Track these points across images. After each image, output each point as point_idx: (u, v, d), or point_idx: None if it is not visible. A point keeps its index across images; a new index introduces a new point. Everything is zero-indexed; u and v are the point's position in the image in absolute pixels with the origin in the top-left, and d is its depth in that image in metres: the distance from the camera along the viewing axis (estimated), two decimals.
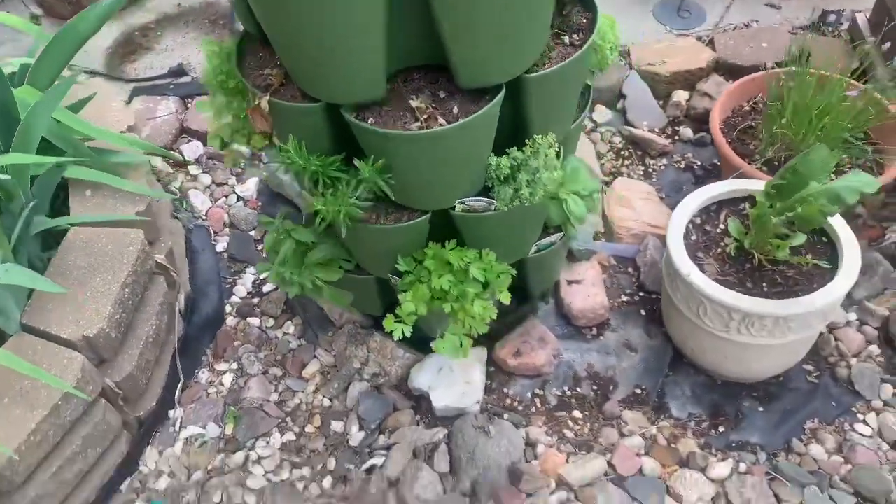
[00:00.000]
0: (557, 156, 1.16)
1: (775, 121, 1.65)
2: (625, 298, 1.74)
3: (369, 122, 1.02)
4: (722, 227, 1.52)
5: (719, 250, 1.48)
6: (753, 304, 1.33)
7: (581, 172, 1.38)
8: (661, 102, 2.11)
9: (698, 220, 1.54)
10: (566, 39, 1.09)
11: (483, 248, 1.25)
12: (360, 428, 1.52)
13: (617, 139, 2.07)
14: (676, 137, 2.06)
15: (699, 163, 2.00)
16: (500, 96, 1.01)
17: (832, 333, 1.61)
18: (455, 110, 1.02)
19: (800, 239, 1.43)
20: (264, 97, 1.08)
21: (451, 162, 1.05)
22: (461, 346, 1.27)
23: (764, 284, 1.41)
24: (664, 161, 2.03)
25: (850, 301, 1.65)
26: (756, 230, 1.41)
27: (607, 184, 1.95)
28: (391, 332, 1.23)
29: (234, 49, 1.17)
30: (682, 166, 2.01)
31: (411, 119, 1.02)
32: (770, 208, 1.34)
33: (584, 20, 1.11)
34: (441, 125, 0.99)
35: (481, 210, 1.16)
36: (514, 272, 1.29)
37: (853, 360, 1.56)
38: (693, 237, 1.52)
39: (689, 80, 2.10)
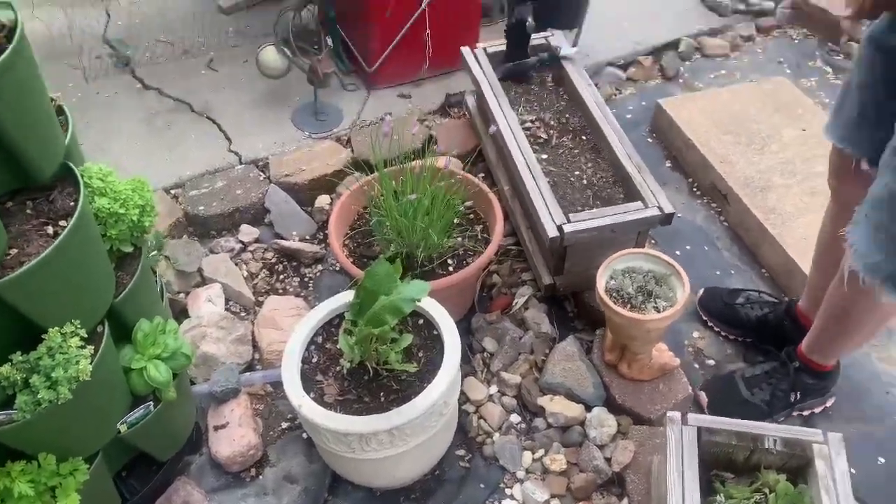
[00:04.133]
0: (87, 343, 1.08)
1: (382, 224, 1.72)
2: (286, 425, 1.69)
3: None
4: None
5: (338, 368, 1.48)
6: (355, 424, 1.33)
7: (161, 334, 1.31)
8: (308, 209, 2.14)
9: (320, 339, 1.54)
10: (50, 230, 1.02)
11: (41, 451, 1.13)
12: None
13: (269, 255, 2.05)
14: (328, 242, 2.09)
15: None
16: None
17: (478, 411, 1.68)
18: None
19: (407, 340, 1.47)
20: None
21: None
22: None
23: (382, 395, 1.43)
24: (320, 267, 2.04)
25: (490, 374, 1.74)
26: (359, 344, 1.43)
27: (259, 304, 1.92)
28: None
29: None
30: (338, 269, 2.03)
31: None
32: (355, 326, 1.37)
33: (72, 202, 1.05)
34: None
35: (6, 422, 1.04)
36: (88, 466, 1.18)
37: (497, 435, 1.63)
38: (315, 358, 1.51)
39: (329, 183, 2.15)
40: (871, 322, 1.35)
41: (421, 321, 1.55)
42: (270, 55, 2.25)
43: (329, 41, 2.44)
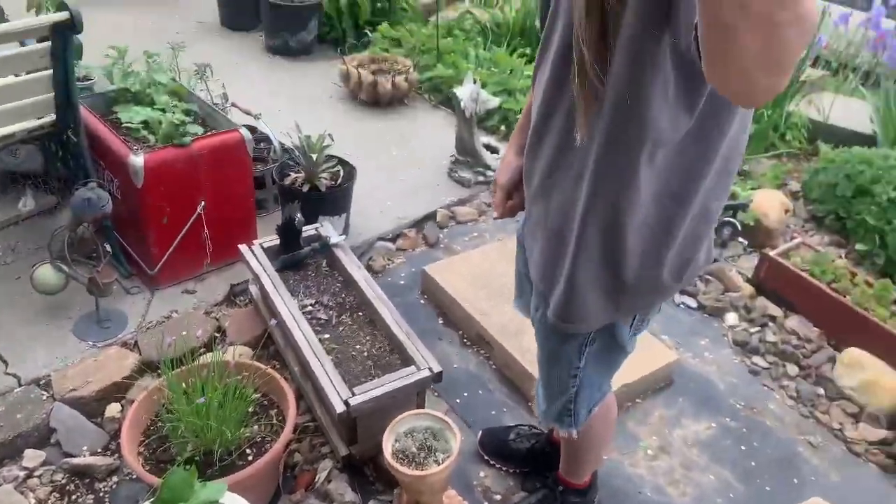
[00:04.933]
0: None
1: (177, 427, 1.78)
2: None
3: None
4: None
5: None
6: None
7: None
8: (97, 420, 2.12)
9: None
10: None
11: None
12: None
13: (59, 476, 1.98)
14: (121, 452, 2.07)
15: None
16: None
17: None
18: None
19: None
20: None
21: None
22: None
23: None
24: (115, 479, 2.01)
25: None
26: None
27: None
28: None
29: None
30: (135, 477, 2.01)
31: None
32: None
33: None
34: None
35: None
36: None
37: None
38: None
39: (119, 391, 2.16)
40: (594, 442, 1.68)
41: None
42: (46, 273, 2.28)
43: (108, 248, 2.51)
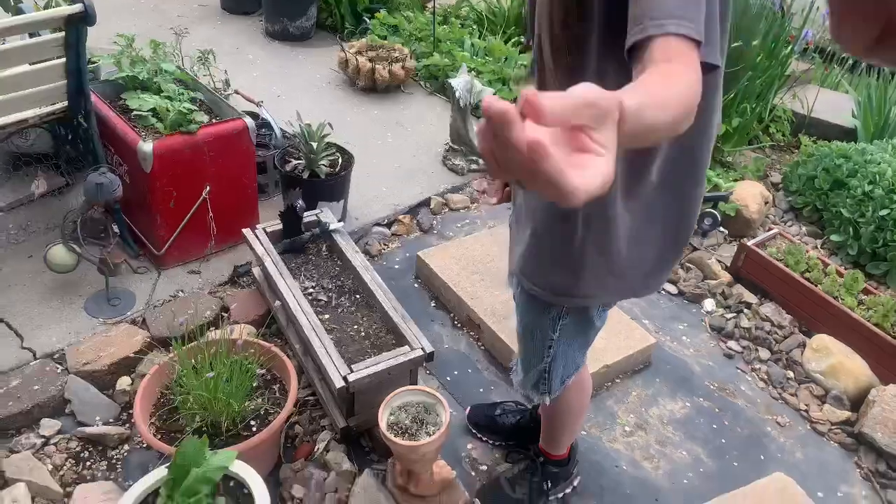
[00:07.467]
0: None
1: (186, 400, 1.92)
2: None
3: None
4: None
5: None
6: None
7: None
8: (109, 392, 2.25)
9: None
10: None
11: None
12: None
13: (73, 444, 2.12)
14: (132, 421, 2.21)
15: None
16: None
17: None
18: None
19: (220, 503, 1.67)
20: None
21: None
22: None
23: None
24: (126, 447, 2.15)
25: None
26: None
27: (68, 496, 1.98)
28: None
29: None
30: (145, 445, 2.15)
31: None
32: (171, 500, 1.55)
33: None
34: None
35: None
36: None
37: None
38: None
39: (129, 365, 2.29)
40: (571, 414, 1.82)
41: (232, 483, 1.75)
42: (59, 253, 2.39)
43: (116, 229, 2.63)
